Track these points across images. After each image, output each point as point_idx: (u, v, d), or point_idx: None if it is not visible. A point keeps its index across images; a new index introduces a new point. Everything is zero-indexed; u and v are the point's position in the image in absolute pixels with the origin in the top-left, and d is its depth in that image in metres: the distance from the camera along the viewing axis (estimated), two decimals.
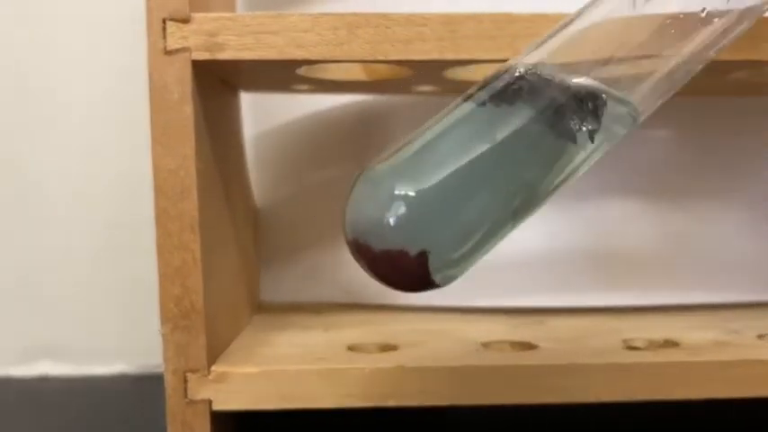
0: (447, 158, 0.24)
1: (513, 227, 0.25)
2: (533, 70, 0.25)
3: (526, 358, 0.36)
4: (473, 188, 0.24)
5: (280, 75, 0.38)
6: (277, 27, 0.32)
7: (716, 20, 0.27)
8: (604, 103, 0.25)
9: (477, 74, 0.32)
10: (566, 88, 0.25)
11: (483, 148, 0.24)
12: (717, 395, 0.35)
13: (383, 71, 0.38)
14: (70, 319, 0.52)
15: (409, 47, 0.32)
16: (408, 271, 0.23)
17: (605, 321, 0.45)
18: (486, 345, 0.38)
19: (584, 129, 0.25)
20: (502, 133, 0.24)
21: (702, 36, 0.27)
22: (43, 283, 0.52)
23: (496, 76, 0.25)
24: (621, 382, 0.35)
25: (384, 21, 0.32)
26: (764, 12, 0.29)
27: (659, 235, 0.50)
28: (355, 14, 0.32)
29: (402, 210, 0.23)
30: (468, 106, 0.25)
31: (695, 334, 0.41)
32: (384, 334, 0.41)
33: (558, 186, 0.26)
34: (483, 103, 0.25)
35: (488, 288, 0.49)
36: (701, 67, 0.28)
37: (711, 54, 0.28)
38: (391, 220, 0.23)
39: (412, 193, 0.23)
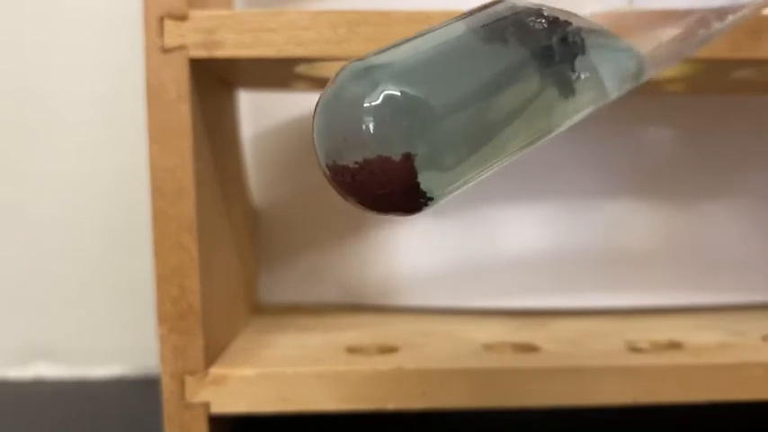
0: (436, 58, 0.21)
1: (517, 144, 0.22)
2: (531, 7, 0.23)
3: (528, 360, 0.36)
4: (461, 90, 0.21)
5: (278, 73, 0.38)
6: (275, 25, 0.32)
7: None
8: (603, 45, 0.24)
9: None
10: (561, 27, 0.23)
11: (474, 60, 0.21)
12: (721, 397, 0.35)
13: None
14: (66, 320, 0.52)
15: None
16: (391, 178, 0.20)
17: (608, 323, 0.45)
18: (487, 347, 0.38)
19: (581, 75, 0.23)
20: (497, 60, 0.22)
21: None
22: (39, 285, 0.52)
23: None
24: (625, 385, 0.34)
25: (384, 19, 0.32)
26: None
27: (663, 236, 0.50)
28: (355, 12, 0.32)
29: (381, 106, 0.19)
30: (461, 27, 0.23)
31: (699, 335, 0.40)
32: (384, 336, 0.41)
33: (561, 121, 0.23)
34: (475, 30, 0.22)
35: (490, 289, 0.49)
36: (722, 29, 0.27)
37: (731, 18, 0.26)
38: (370, 124, 0.19)
39: (394, 88, 0.19)
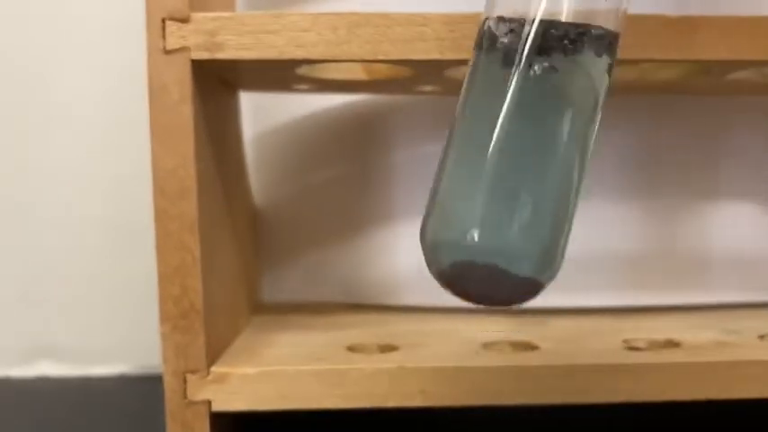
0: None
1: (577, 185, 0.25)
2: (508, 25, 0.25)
3: (527, 359, 0.36)
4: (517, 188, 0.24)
5: (279, 74, 0.38)
6: (277, 26, 0.32)
7: None
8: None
9: None
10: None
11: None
12: (718, 396, 0.35)
13: (383, 71, 0.37)
14: (70, 319, 0.52)
15: (409, 46, 0.32)
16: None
17: (606, 322, 0.45)
18: (486, 345, 0.38)
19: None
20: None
21: None
22: (43, 284, 0.52)
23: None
24: (622, 383, 0.34)
25: (384, 20, 0.32)
26: None
27: (660, 235, 0.50)
28: (355, 14, 0.32)
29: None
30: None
31: (696, 334, 0.41)
32: (384, 334, 0.41)
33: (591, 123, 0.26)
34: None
35: None
36: None
37: None
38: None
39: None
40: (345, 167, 0.50)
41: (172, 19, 0.32)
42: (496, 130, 0.24)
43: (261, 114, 0.49)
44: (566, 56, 0.25)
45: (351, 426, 0.40)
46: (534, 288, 0.26)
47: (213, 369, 0.34)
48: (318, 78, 0.38)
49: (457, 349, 0.38)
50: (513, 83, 0.24)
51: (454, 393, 0.34)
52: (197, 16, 0.32)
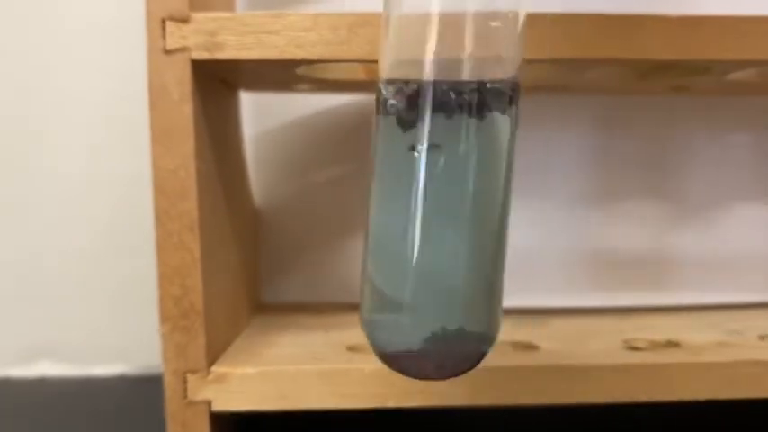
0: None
1: (501, 238, 0.25)
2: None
3: (527, 359, 0.36)
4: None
5: (280, 74, 0.38)
6: (277, 27, 0.32)
7: None
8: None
9: None
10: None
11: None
12: (718, 396, 0.35)
13: None
14: (70, 319, 0.52)
15: None
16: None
17: (606, 322, 0.45)
18: None
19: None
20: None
21: None
22: (43, 284, 0.52)
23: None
24: (623, 383, 0.34)
25: None
26: None
27: (661, 235, 0.50)
28: (355, 14, 0.32)
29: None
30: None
31: (697, 334, 0.41)
32: None
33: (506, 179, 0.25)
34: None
35: None
36: None
37: None
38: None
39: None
40: (345, 167, 0.50)
41: (172, 19, 0.32)
42: (410, 208, 0.24)
43: (261, 114, 0.50)
44: (469, 117, 0.23)
45: (351, 426, 0.40)
46: (479, 355, 0.26)
47: (213, 369, 0.34)
48: (318, 78, 0.38)
49: None
50: (419, 164, 0.23)
51: (454, 393, 0.34)
52: (197, 16, 0.32)
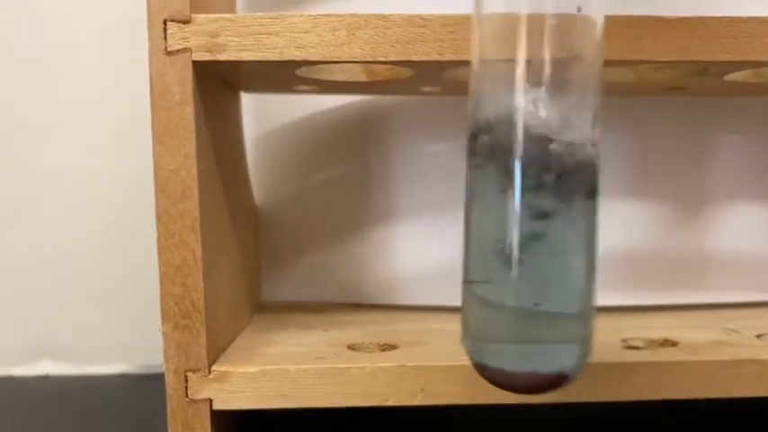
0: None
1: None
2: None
3: None
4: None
5: (280, 75, 0.39)
6: (277, 28, 0.33)
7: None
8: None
9: None
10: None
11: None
12: (716, 395, 0.35)
13: (383, 72, 0.38)
14: (71, 318, 0.53)
15: (409, 48, 0.33)
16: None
17: (604, 321, 0.44)
18: None
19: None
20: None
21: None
22: (44, 283, 0.52)
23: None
24: (620, 382, 0.35)
25: (383, 22, 0.33)
26: None
27: (658, 235, 0.50)
28: (355, 15, 0.33)
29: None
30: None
31: (694, 333, 0.41)
32: (384, 333, 0.41)
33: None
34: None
35: None
36: None
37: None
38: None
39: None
40: (345, 167, 0.50)
41: (173, 20, 0.32)
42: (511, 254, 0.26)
43: (262, 115, 0.50)
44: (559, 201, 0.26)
45: (351, 424, 0.40)
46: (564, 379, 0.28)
47: (214, 368, 0.34)
48: (319, 79, 0.38)
49: (457, 348, 0.38)
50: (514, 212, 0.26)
51: (454, 392, 0.34)
52: (198, 17, 0.33)
